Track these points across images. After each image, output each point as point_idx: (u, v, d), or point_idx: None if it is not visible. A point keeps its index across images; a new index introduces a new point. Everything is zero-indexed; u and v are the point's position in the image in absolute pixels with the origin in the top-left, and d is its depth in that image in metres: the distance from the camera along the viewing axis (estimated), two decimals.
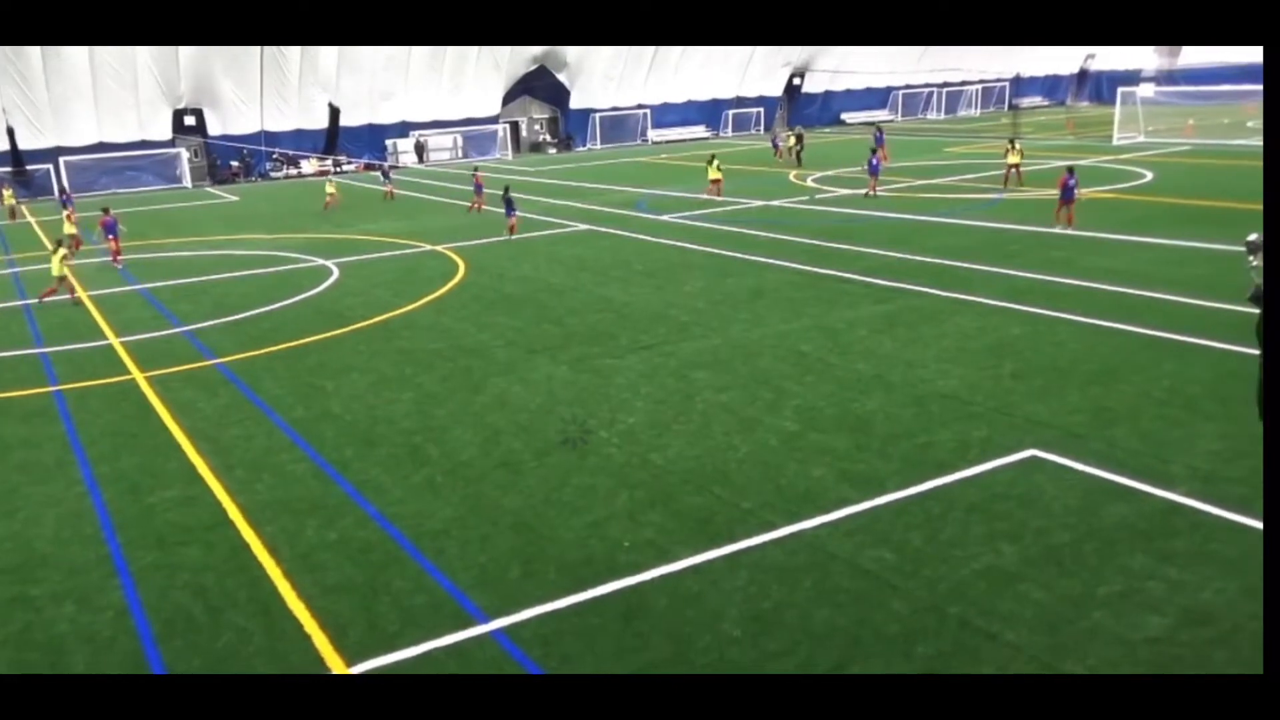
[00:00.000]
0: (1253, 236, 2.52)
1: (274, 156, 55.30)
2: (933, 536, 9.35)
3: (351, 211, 37.67)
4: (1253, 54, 64.30)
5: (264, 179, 54.55)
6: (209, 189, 51.17)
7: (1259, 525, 9.11)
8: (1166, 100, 53.63)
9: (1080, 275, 19.61)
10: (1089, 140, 48.83)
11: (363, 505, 10.79)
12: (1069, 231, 24.33)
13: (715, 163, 35.88)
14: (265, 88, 53.16)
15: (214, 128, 53.47)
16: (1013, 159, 33.74)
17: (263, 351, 17.32)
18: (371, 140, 57.41)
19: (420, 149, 58.50)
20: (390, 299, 21.11)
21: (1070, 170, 25.31)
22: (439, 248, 27.56)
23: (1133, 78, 66.43)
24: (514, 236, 28.15)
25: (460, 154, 59.78)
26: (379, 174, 45.64)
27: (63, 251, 23.17)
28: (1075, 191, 24.97)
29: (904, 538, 9.35)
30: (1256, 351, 2.86)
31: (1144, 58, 76.34)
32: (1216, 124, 50.24)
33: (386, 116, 57.62)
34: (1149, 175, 34.84)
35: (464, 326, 18.46)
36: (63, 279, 22.63)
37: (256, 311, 20.63)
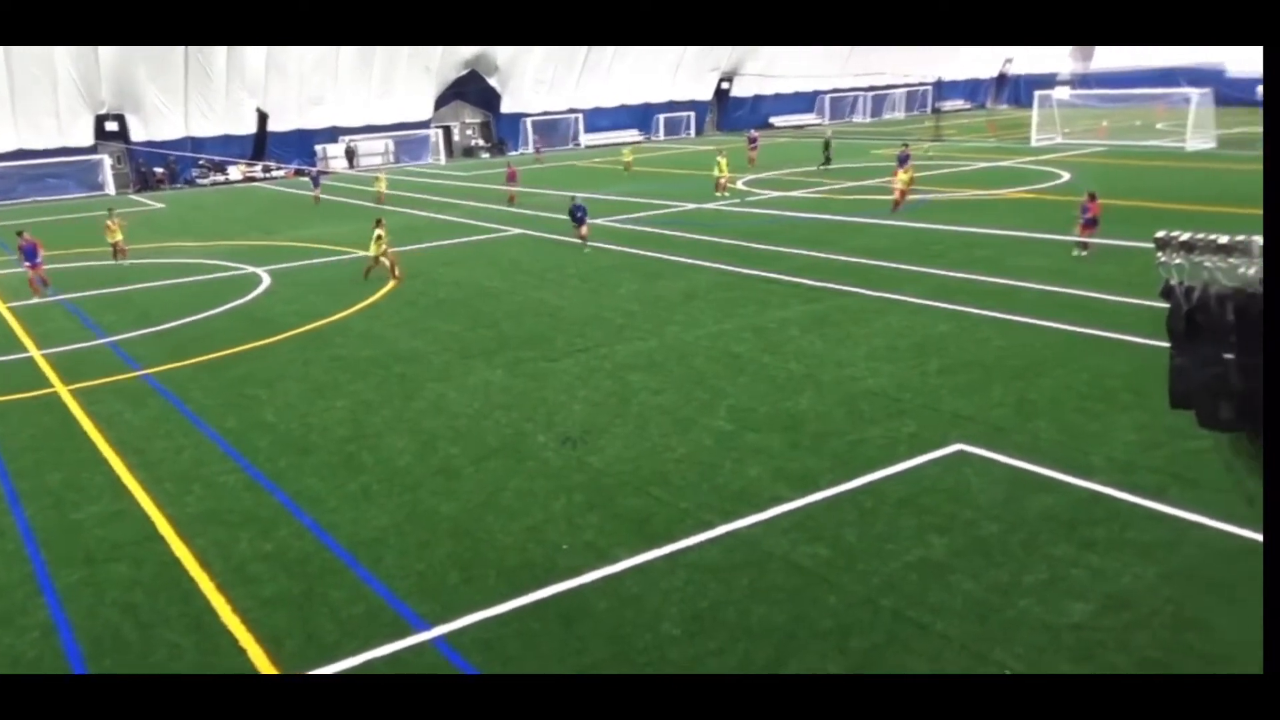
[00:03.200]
0: (1160, 233, 2.69)
1: (200, 163, 54.18)
2: (865, 531, 9.57)
3: (281, 217, 37.15)
4: (1163, 58, 66.96)
5: (190, 186, 53.44)
6: (133, 196, 49.98)
7: (1175, 512, 9.53)
8: (1082, 103, 55.28)
9: (1003, 274, 20.15)
10: (1009, 142, 50.08)
11: (298, 515, 10.69)
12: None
13: (726, 159, 36.12)
14: (190, 92, 52.07)
15: (137, 133, 52.23)
16: (901, 180, 29.73)
17: (192, 361, 17.00)
18: (301, 146, 56.57)
19: (351, 154, 57.82)
20: (323, 306, 20.88)
21: (1092, 195, 22.38)
22: (371, 253, 27.24)
23: (1049, 81, 68.33)
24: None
25: (392, 159, 59.22)
26: (309, 179, 45.07)
27: None
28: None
29: (837, 533, 9.56)
30: (1168, 344, 3.00)
31: (1059, 61, 78.55)
32: (1129, 126, 51.90)
33: (316, 121, 56.84)
34: (1066, 176, 35.85)
35: (398, 333, 18.34)
36: None
37: (184, 321, 20.24)
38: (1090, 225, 22.00)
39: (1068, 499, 10.04)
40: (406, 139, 60.10)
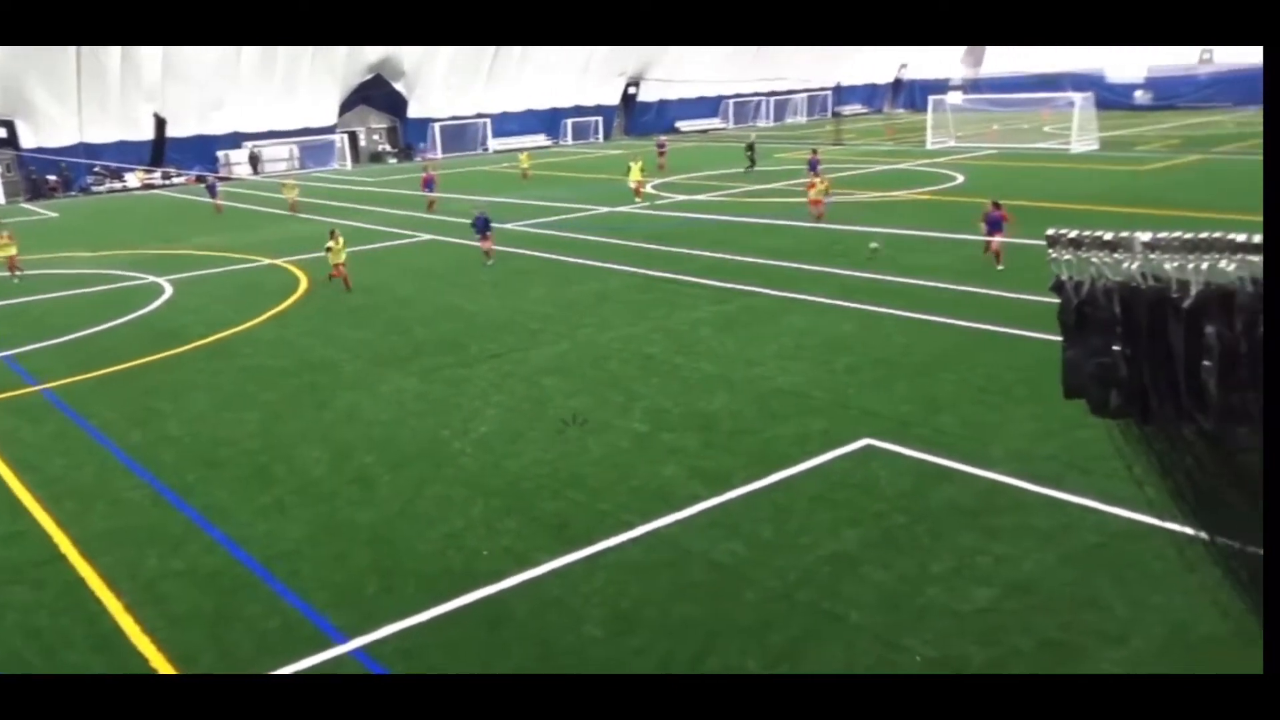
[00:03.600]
0: (1050, 231, 2.85)
1: (95, 170, 52.25)
2: (780, 527, 9.80)
3: (183, 225, 36.14)
4: (1047, 63, 69.69)
5: (86, 194, 51.50)
6: (25, 205, 47.94)
7: (1071, 498, 9.98)
8: (973, 107, 57.13)
9: (903, 273, 20.73)
10: (906, 145, 51.46)
11: (208, 531, 10.47)
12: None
13: (640, 164, 36.37)
14: (84, 97, 50.17)
15: (27, 140, 50.19)
16: (818, 190, 28.82)
17: (92, 375, 16.45)
18: (202, 152, 54.95)
19: (255, 160, 56.47)
20: (230, 315, 20.39)
21: (996, 205, 21.21)
22: (279, 261, 26.75)
23: (942, 86, 70.42)
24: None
25: (297, 165, 58.03)
26: (205, 187, 43.82)
27: None
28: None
29: (754, 530, 9.77)
30: (1059, 338, 3.15)
31: (951, 66, 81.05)
32: (1018, 129, 53.77)
33: (217, 127, 55.41)
34: (960, 178, 37.00)
35: (309, 341, 18.03)
36: None
37: (84, 333, 19.56)
38: (996, 228, 20.60)
39: (971, 489, 10.43)
40: (311, 144, 58.93)
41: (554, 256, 25.17)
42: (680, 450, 11.89)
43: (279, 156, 57.99)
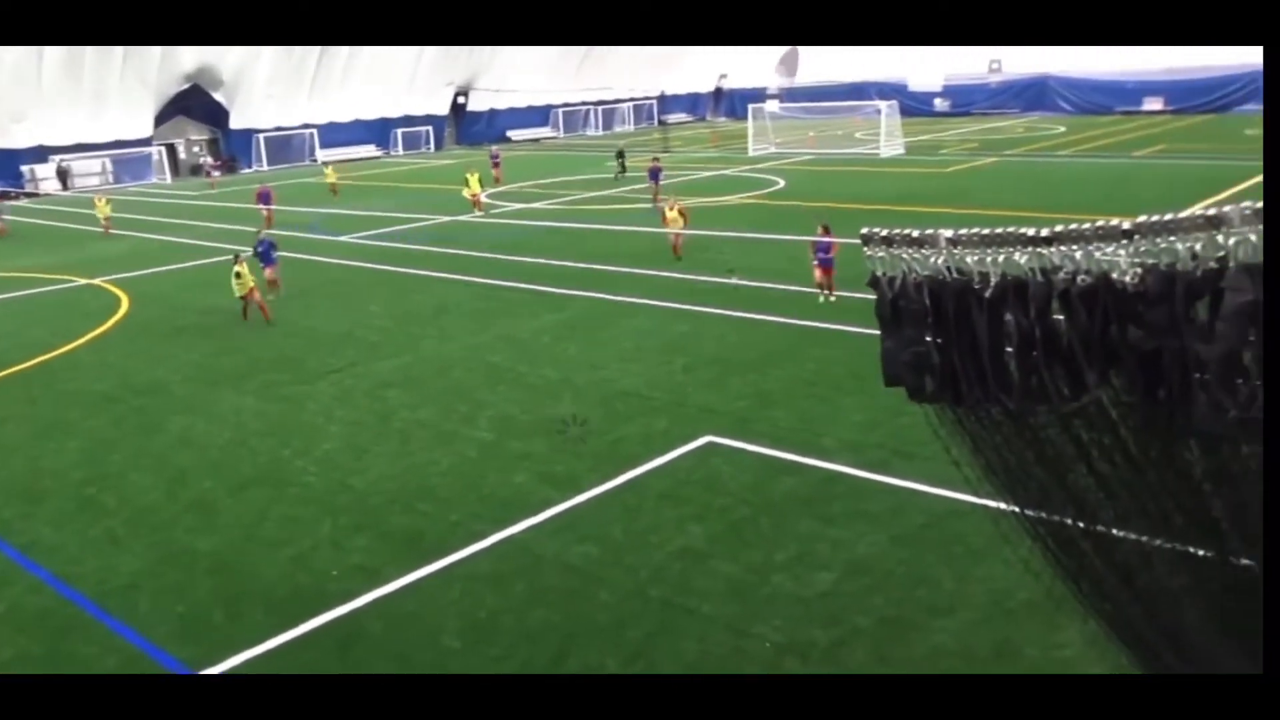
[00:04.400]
0: (864, 230, 3.05)
1: None
2: (630, 526, 10.04)
3: None
4: (855, 72, 73.25)
5: None
6: None
7: (898, 482, 10.61)
8: (790, 115, 59.38)
9: (732, 274, 21.38)
10: (729, 152, 52.83)
11: (32, 569, 9.87)
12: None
13: (476, 176, 35.13)
14: None
15: None
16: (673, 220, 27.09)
17: None
18: (4, 167, 51.06)
19: (64, 175, 52.91)
20: (46, 339, 19.15)
21: (826, 228, 18.49)
22: (96, 281, 25.25)
23: (760, 95, 72.83)
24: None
25: (111, 179, 54.72)
26: None
27: None
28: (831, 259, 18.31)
29: (605, 531, 9.97)
30: (878, 331, 3.31)
31: (768, 76, 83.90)
32: (832, 135, 56.15)
33: (19, 140, 51.49)
34: (781, 182, 38.42)
35: (134, 363, 17.14)
36: None
37: None
38: (827, 267, 18.15)
39: (808, 479, 10.94)
40: (126, 157, 55.65)
41: (392, 268, 24.74)
42: (529, 456, 11.98)
43: (91, 171, 54.49)
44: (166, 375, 16.31)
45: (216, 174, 53.81)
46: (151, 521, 10.81)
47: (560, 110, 77.83)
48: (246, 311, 19.71)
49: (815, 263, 18.44)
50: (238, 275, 19.47)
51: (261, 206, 34.82)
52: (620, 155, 43.66)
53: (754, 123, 53.12)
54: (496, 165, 44.26)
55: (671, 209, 23.95)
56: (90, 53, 50.85)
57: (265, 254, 22.13)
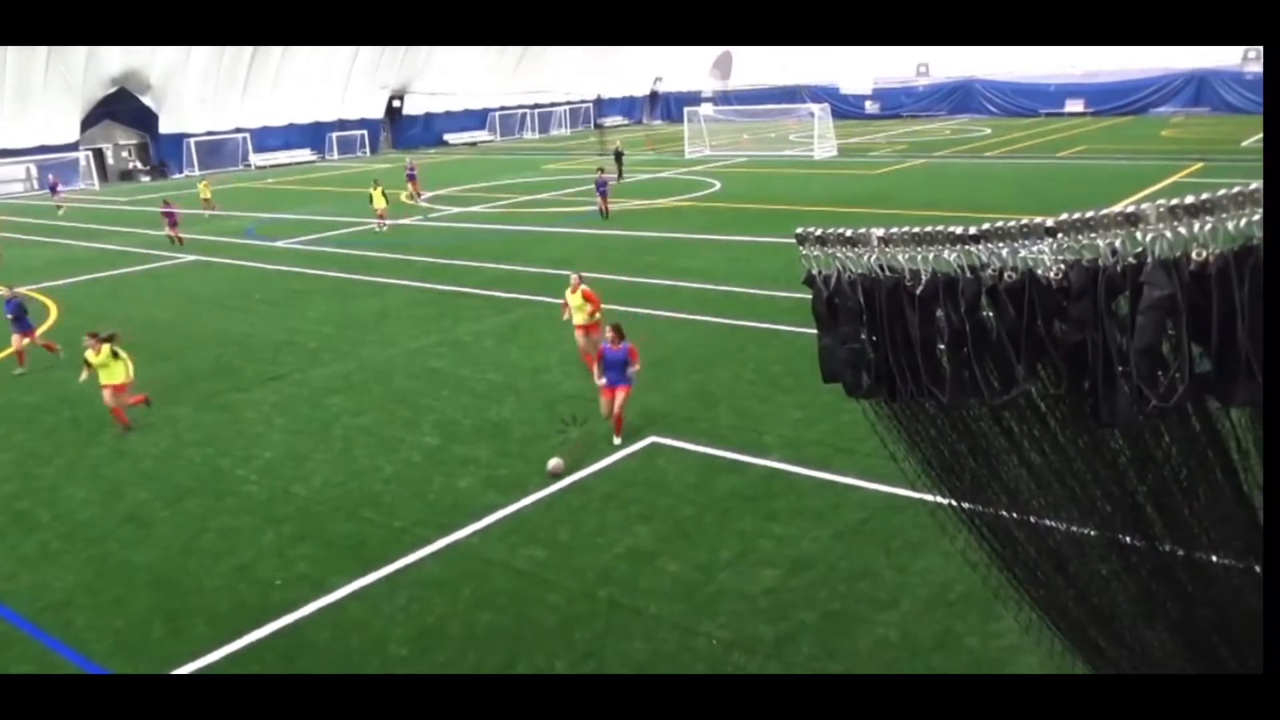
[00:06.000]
0: (799, 230, 3.10)
1: None
2: (577, 528, 10.06)
3: None
4: (788, 75, 74.14)
5: None
6: None
7: (838, 478, 10.78)
8: (725, 118, 60.00)
9: (669, 275, 21.55)
10: (666, 155, 53.07)
11: None
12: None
13: (379, 188, 31.92)
14: None
15: None
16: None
17: None
18: None
19: None
20: None
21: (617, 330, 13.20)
22: (22, 290, 24.48)
23: (695, 98, 73.37)
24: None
25: (35, 185, 53.25)
26: None
27: None
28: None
29: (551, 533, 9.98)
30: (814, 329, 3.34)
31: (702, 79, 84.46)
32: (766, 138, 56.73)
33: None
34: (718, 184, 38.74)
35: (64, 374, 16.64)
36: None
37: None
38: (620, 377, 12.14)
39: (750, 477, 11.07)
40: (52, 163, 54.16)
41: (330, 273, 24.44)
42: (473, 461, 11.94)
43: (15, 177, 53.10)
44: (97, 387, 15.85)
45: (62, 190, 48.13)
46: (86, 535, 10.56)
47: (497, 113, 77.47)
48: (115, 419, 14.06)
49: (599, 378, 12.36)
50: (89, 364, 14.00)
51: (174, 233, 31.03)
52: (619, 156, 42.35)
53: (689, 126, 53.52)
54: (413, 179, 40.48)
55: (574, 291, 14.76)
56: (11, 54, 49.43)
57: (15, 321, 17.32)
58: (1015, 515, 3.93)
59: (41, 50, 50.03)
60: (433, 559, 9.63)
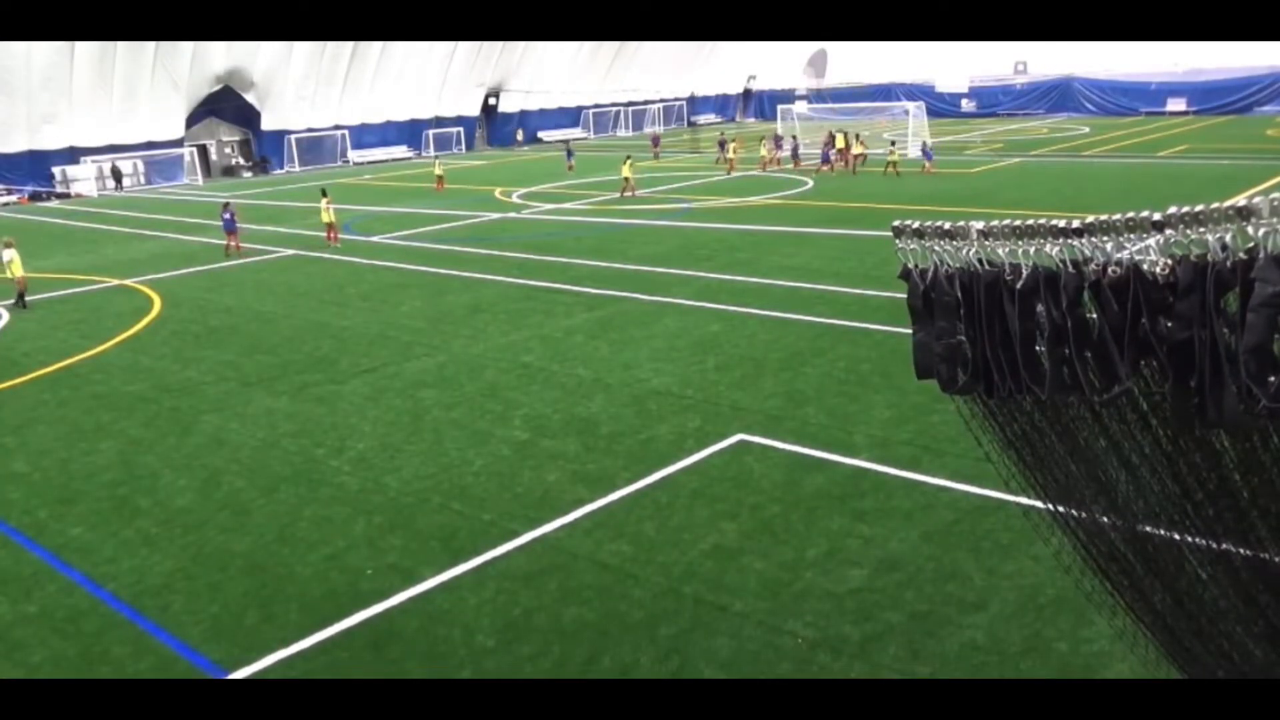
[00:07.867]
0: (896, 223, 3.03)
1: None
2: (663, 524, 10.05)
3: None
4: (883, 74, 73.13)
5: None
6: None
7: (927, 479, 10.56)
8: (818, 116, 59.25)
9: (761, 274, 21.39)
10: (758, 153, 52.69)
11: (65, 571, 9.97)
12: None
13: (629, 162, 37.22)
14: None
15: None
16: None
17: None
18: (34, 168, 52.01)
19: (118, 175, 54.04)
20: (76, 341, 19.43)
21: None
22: (127, 282, 25.63)
23: (789, 96, 72.81)
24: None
25: (142, 180, 55.63)
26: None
27: None
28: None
29: (638, 529, 9.99)
30: (906, 329, 3.28)
31: (796, 77, 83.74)
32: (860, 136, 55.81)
33: (50, 142, 52.41)
34: (809, 183, 38.35)
35: (166, 364, 17.35)
36: None
37: None
38: None
39: (837, 476, 10.91)
40: (157, 159, 56.53)
41: (424, 268, 24.91)
42: (561, 455, 12.02)
43: (123, 171, 55.58)
44: (198, 376, 16.50)
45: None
46: (185, 522, 10.94)
47: (591, 111, 78.09)
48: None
49: None
50: None
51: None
52: (722, 144, 43.74)
53: (782, 124, 53.05)
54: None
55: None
56: (121, 53, 51.65)
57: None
58: (1113, 519, 3.81)
59: (149, 49, 52.14)
60: (520, 552, 9.72)
